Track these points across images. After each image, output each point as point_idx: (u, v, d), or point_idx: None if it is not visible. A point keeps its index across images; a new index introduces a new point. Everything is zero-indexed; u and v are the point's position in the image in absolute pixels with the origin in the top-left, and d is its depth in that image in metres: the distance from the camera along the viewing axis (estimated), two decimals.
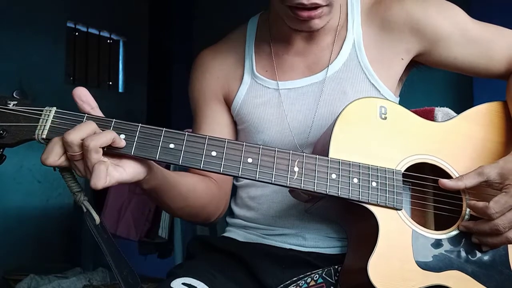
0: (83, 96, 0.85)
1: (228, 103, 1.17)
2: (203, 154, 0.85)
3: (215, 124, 1.16)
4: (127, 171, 0.84)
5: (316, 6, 0.96)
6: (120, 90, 5.05)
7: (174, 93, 4.71)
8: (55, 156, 0.80)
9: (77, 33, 4.70)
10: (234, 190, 1.20)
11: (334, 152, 0.90)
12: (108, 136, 0.80)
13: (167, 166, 2.17)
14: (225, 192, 1.16)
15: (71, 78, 4.64)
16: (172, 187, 0.98)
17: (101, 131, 0.81)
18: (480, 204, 0.89)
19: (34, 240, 3.94)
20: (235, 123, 1.18)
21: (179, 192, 1.01)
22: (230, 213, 1.21)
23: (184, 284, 0.96)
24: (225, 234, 1.18)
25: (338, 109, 0.96)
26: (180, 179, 1.01)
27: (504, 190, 0.90)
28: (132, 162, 0.85)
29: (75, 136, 0.78)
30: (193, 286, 0.96)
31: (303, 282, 1.02)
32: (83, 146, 0.78)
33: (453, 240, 0.92)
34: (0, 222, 3.78)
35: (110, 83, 4.97)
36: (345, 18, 1.10)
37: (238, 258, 1.08)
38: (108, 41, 4.97)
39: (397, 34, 1.07)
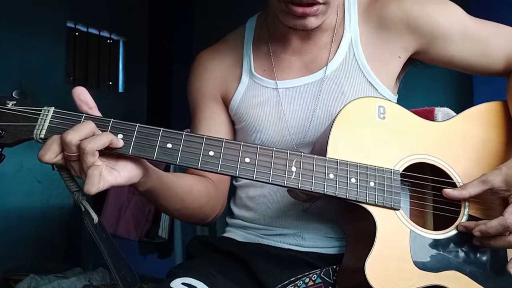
0: (82, 95, 0.85)
1: (226, 103, 1.17)
2: (200, 154, 0.85)
3: (213, 123, 1.16)
4: (122, 174, 0.84)
5: (312, 3, 0.95)
6: (120, 90, 5.05)
7: (174, 93, 4.70)
8: (52, 153, 0.80)
9: (77, 33, 4.70)
10: (234, 190, 1.20)
11: (332, 152, 0.90)
12: (105, 139, 0.80)
13: (167, 166, 2.18)
14: (223, 193, 1.16)
15: (71, 78, 4.64)
16: (168, 189, 0.98)
17: (99, 131, 0.81)
18: (494, 222, 0.88)
19: (34, 240, 3.95)
20: (233, 123, 1.18)
21: (175, 193, 1.00)
22: (230, 213, 1.21)
23: (183, 284, 0.97)
24: (225, 234, 1.18)
25: (336, 108, 0.96)
26: (176, 181, 1.01)
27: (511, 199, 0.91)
28: (127, 165, 0.85)
29: (73, 136, 0.78)
30: (193, 286, 0.96)
31: (301, 282, 1.02)
32: (79, 148, 0.78)
33: (451, 240, 0.92)
34: (0, 222, 3.79)
35: (110, 83, 4.97)
36: (342, 17, 1.10)
37: (238, 258, 1.08)
38: (108, 41, 4.97)
39: (394, 32, 1.07)
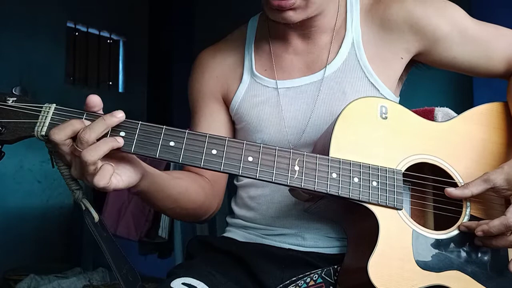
0: (97, 107, 0.85)
1: (227, 102, 1.17)
2: (203, 153, 0.84)
3: (212, 122, 1.16)
4: (124, 179, 0.85)
5: None
6: (120, 90, 5.06)
7: (174, 93, 4.70)
8: (63, 135, 0.79)
9: (77, 33, 4.71)
10: (235, 189, 1.20)
11: (335, 151, 0.90)
12: (105, 148, 0.80)
13: (168, 164, 2.17)
14: (218, 191, 1.16)
15: (71, 78, 4.64)
16: (161, 190, 0.98)
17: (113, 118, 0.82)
18: (496, 221, 0.88)
19: (34, 240, 3.95)
20: (233, 123, 1.18)
21: (169, 195, 1.00)
22: (230, 213, 1.21)
23: (184, 284, 0.96)
24: (225, 234, 1.18)
25: (337, 108, 0.96)
26: (171, 182, 1.01)
27: None
28: (127, 170, 0.86)
29: (90, 135, 0.79)
30: (193, 286, 0.96)
31: (303, 282, 1.02)
32: (81, 158, 0.78)
33: (453, 240, 0.92)
34: (0, 222, 3.79)
35: (110, 83, 4.97)
36: (344, 18, 1.10)
37: (238, 258, 1.08)
38: (108, 41, 4.97)
39: (396, 33, 1.06)
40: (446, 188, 0.93)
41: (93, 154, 0.78)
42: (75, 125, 0.80)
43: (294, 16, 1.00)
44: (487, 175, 0.92)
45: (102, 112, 0.85)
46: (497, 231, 0.88)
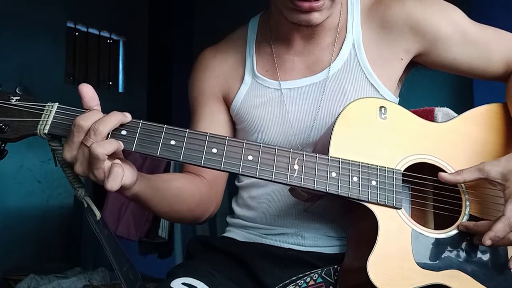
0: (91, 93, 0.86)
1: (227, 102, 1.17)
2: (203, 151, 0.85)
3: (212, 122, 1.16)
4: (127, 175, 0.85)
5: None
6: (120, 90, 5.05)
7: (174, 93, 4.70)
8: (90, 121, 0.81)
9: (77, 33, 4.71)
10: (236, 190, 1.20)
11: (334, 151, 0.91)
12: (115, 145, 0.81)
13: (168, 163, 2.16)
14: (217, 193, 1.16)
15: (71, 78, 4.64)
16: (155, 194, 0.97)
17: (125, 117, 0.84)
18: (500, 224, 0.88)
19: (34, 240, 3.95)
20: (232, 123, 1.18)
21: (162, 198, 1.00)
22: (231, 213, 1.21)
23: (184, 284, 0.97)
24: (225, 234, 1.18)
25: (338, 108, 0.97)
26: (164, 185, 1.01)
27: (507, 195, 0.90)
28: (127, 170, 0.86)
29: (104, 127, 0.80)
30: (193, 286, 0.96)
31: (302, 281, 1.02)
32: (91, 151, 0.79)
33: (452, 240, 0.92)
34: (0, 222, 3.79)
35: (110, 83, 4.97)
36: (345, 18, 1.11)
37: (238, 258, 1.08)
38: (108, 41, 4.97)
39: (396, 34, 1.07)
40: (439, 173, 0.93)
41: (105, 147, 0.79)
42: (97, 114, 0.82)
43: (319, 17, 1.00)
44: (482, 165, 0.93)
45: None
46: (503, 233, 0.88)
